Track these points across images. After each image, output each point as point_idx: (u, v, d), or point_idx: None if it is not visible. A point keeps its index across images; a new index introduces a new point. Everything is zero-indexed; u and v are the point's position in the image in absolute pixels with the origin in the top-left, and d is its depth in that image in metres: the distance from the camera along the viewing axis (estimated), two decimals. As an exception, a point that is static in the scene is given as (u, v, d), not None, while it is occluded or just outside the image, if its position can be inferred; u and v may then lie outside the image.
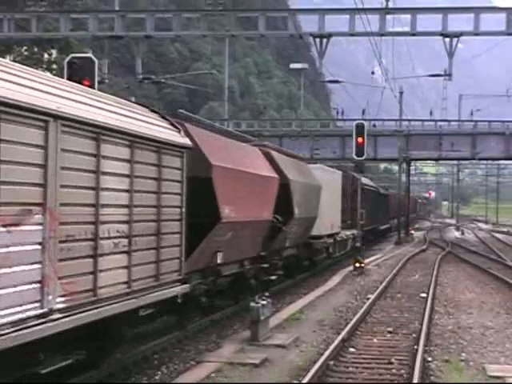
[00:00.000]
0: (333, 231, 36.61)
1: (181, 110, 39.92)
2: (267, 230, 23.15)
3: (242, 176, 19.71)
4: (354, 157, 36.08)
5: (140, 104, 15.17)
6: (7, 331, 9.05)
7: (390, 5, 39.50)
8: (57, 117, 10.12)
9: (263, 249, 23.40)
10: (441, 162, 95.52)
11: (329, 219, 35.02)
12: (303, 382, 11.53)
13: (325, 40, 36.83)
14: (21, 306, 9.36)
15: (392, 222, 76.86)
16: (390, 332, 19.18)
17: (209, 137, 19.19)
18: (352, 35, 38.42)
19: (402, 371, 14.61)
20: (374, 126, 62.67)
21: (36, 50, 60.19)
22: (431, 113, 70.28)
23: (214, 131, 23.16)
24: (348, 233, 41.94)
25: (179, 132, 14.96)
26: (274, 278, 24.98)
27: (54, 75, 58.38)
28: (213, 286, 18.86)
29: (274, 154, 25.81)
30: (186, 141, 15.04)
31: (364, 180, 50.31)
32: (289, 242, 27.04)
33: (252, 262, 22.51)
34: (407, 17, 38.70)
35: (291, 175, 25.93)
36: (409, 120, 67.24)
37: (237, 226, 19.01)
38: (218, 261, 18.56)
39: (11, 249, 9.15)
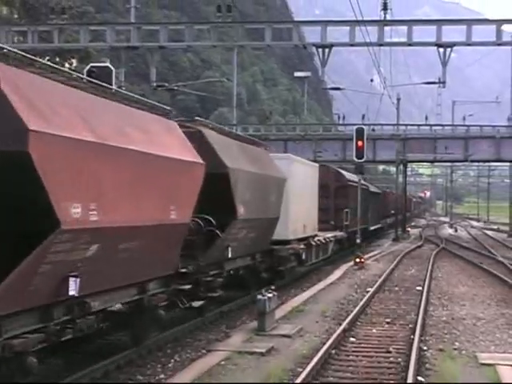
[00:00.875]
0: (306, 234, 29.41)
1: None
2: (194, 237, 16.36)
3: (112, 155, 11.48)
4: (355, 159, 36.01)
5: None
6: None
7: (388, 17, 39.55)
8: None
9: (185, 263, 15.90)
10: (435, 163, 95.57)
11: (300, 220, 28.16)
12: (296, 382, 11.46)
13: (327, 50, 36.88)
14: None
15: (384, 222, 71.05)
16: (388, 323, 19.18)
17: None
18: (352, 45, 38.48)
19: (399, 359, 14.61)
20: (373, 130, 62.52)
21: (58, 59, 60.34)
22: (426, 118, 70.15)
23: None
24: (330, 235, 35.28)
25: None
26: (198, 304, 16.99)
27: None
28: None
29: (208, 133, 18.46)
30: None
31: (351, 176, 44.61)
32: (234, 251, 19.34)
33: (164, 283, 14.87)
34: (404, 28, 38.72)
35: (233, 162, 18.69)
36: (405, 125, 67.16)
37: (103, 235, 11.13)
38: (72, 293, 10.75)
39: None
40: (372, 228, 55.52)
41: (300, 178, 28.14)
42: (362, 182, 43.97)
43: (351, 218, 40.17)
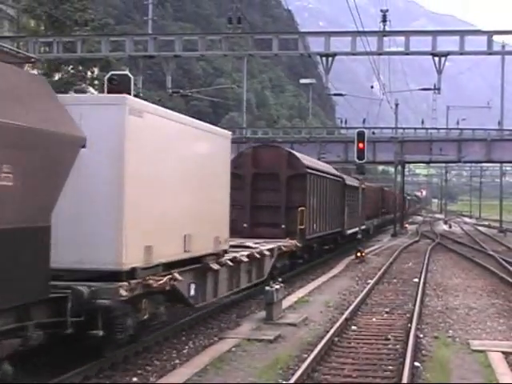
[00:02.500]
0: (196, 252, 14.81)
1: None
2: None
3: None
4: (356, 160, 35.88)
5: None
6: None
7: (387, 28, 39.48)
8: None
9: None
10: (431, 164, 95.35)
11: (171, 226, 13.55)
12: (290, 382, 11.44)
13: (330, 58, 36.84)
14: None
15: (370, 224, 53.30)
16: (387, 312, 19.17)
17: None
18: (354, 54, 38.45)
19: (398, 346, 14.61)
20: (373, 133, 62.35)
21: (81, 68, 60.51)
22: (422, 122, 69.94)
23: None
24: (268, 247, 21.38)
25: None
26: None
27: (96, 90, 58.74)
28: None
29: None
30: None
31: (313, 162, 31.95)
32: None
33: None
34: (401, 38, 38.67)
35: None
36: (403, 128, 66.94)
37: None
38: None
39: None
40: (350, 232, 39.28)
41: (157, 144, 12.94)
42: (333, 171, 35.86)
43: (312, 220, 28.61)
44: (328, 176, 32.93)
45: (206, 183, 15.62)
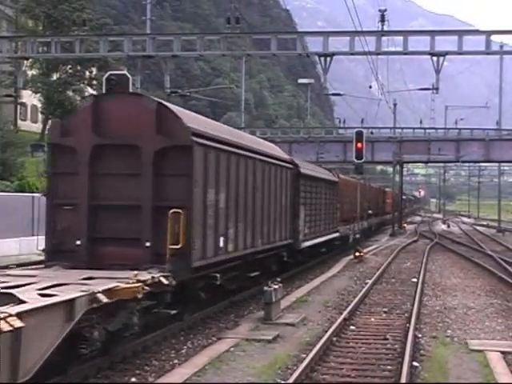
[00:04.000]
0: None
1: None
2: None
3: None
4: (354, 160, 35.87)
5: None
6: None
7: (385, 28, 39.42)
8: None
9: None
10: (429, 164, 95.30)
11: None
12: (289, 382, 11.46)
13: (328, 58, 36.76)
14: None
15: (346, 229, 40.31)
16: (385, 312, 19.19)
17: None
18: (352, 54, 38.35)
19: (396, 346, 14.62)
20: (372, 133, 62.47)
21: (79, 68, 60.65)
22: (421, 122, 69.91)
23: None
24: (62, 298, 10.26)
25: None
26: None
27: (94, 90, 58.78)
28: None
29: None
30: None
31: (211, 128, 17.07)
32: None
33: None
34: (400, 38, 38.63)
35: None
36: (401, 128, 67.03)
37: None
38: None
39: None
40: (310, 243, 28.11)
41: None
42: (273, 151, 23.19)
43: (211, 231, 16.06)
44: (256, 157, 19.82)
45: None
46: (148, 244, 14.53)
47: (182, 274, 14.51)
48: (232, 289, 18.95)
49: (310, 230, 28.44)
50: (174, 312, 14.45)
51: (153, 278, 13.19)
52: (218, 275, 16.60)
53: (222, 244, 16.73)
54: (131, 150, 14.94)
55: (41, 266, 15.07)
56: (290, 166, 25.05)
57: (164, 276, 13.57)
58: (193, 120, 16.09)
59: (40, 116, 68.42)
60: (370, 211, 55.25)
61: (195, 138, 15.10)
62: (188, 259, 14.70)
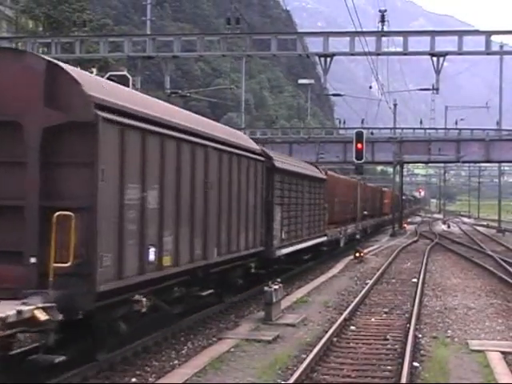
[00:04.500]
0: None
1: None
2: None
3: None
4: (355, 160, 35.89)
5: None
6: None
7: (385, 28, 39.43)
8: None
9: None
10: (430, 164, 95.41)
11: None
12: (289, 382, 11.45)
13: (328, 59, 36.80)
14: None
15: (337, 233, 37.01)
16: (385, 312, 19.18)
17: None
18: (352, 55, 38.43)
19: (396, 346, 14.61)
20: (372, 133, 62.41)
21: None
22: (421, 122, 69.89)
23: None
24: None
25: None
26: None
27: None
28: None
29: None
30: None
31: (126, 96, 12.43)
32: None
33: None
34: (400, 39, 38.69)
35: None
36: (402, 128, 66.99)
37: None
38: None
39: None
40: (288, 251, 23.92)
41: None
42: (235, 138, 18.57)
43: (147, 240, 12.15)
44: (208, 144, 15.53)
45: None
46: (33, 260, 10.39)
47: (80, 303, 10.41)
48: (178, 312, 15.41)
49: (289, 234, 24.31)
50: (59, 359, 10.27)
51: (19, 312, 9.07)
52: (144, 299, 12.20)
53: (152, 257, 12.40)
54: (9, 129, 10.79)
55: None
56: (261, 158, 20.72)
57: (42, 308, 9.49)
58: (100, 87, 11.47)
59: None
60: (365, 212, 52.35)
61: (102, 113, 10.75)
62: (89, 281, 10.43)
